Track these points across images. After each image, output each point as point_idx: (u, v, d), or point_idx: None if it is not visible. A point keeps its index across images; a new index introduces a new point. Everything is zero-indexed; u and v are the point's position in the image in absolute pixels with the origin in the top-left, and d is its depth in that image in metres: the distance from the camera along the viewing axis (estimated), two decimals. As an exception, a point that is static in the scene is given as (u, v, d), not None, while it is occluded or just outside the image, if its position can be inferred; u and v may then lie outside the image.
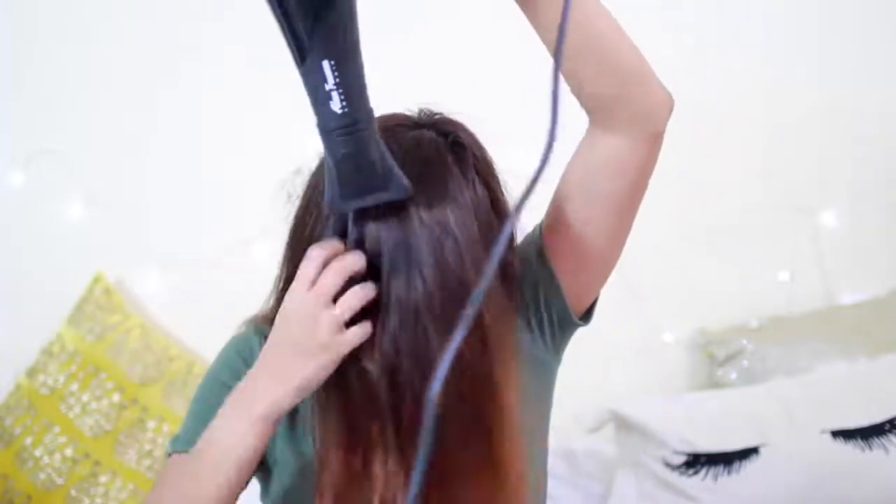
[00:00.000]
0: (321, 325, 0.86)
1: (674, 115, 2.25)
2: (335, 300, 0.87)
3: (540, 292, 1.03)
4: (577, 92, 0.95)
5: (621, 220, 1.02)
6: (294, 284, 0.88)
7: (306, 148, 0.98)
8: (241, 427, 0.88)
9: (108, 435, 1.95)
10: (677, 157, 2.16)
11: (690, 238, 2.17)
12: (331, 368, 0.88)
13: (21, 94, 2.08)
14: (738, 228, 2.18)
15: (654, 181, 2.33)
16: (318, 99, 0.84)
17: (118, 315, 2.04)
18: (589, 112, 0.97)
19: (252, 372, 0.91)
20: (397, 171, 0.88)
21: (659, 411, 1.92)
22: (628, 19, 2.11)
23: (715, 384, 2.13)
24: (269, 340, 0.90)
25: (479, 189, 0.96)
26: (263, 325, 1.02)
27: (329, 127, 0.84)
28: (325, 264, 0.87)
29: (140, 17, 2.06)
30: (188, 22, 2.05)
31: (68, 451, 1.94)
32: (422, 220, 0.90)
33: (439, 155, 0.94)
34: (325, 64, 0.83)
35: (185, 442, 0.99)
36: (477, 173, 0.97)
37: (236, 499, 0.92)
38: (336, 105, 0.83)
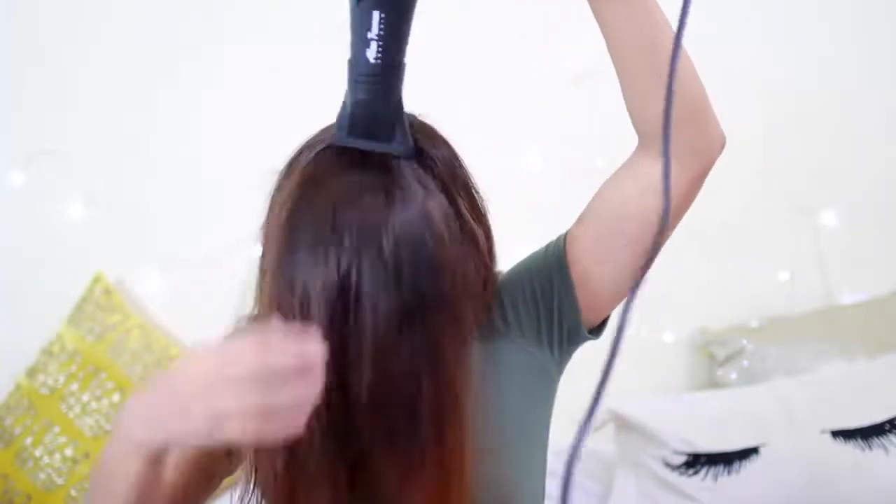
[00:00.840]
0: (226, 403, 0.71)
1: (674, 114, 2.21)
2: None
3: (555, 303, 1.01)
4: (636, 111, 0.95)
5: (645, 248, 1.00)
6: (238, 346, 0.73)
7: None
8: (127, 458, 0.79)
9: (108, 435, 1.95)
10: (677, 157, 2.17)
11: (690, 238, 2.17)
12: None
13: (21, 94, 2.08)
14: (738, 228, 2.18)
15: (654, 181, 2.31)
16: (358, 41, 0.87)
17: (118, 315, 2.04)
18: (641, 134, 0.96)
19: (139, 395, 0.78)
20: (407, 130, 0.90)
21: (659, 411, 1.92)
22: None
23: (715, 384, 2.13)
24: (178, 371, 0.75)
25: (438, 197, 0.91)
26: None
27: (358, 70, 0.88)
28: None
29: (140, 17, 2.06)
30: (188, 22, 2.05)
31: (68, 451, 1.94)
32: None
33: None
34: (376, 14, 0.86)
35: None
36: (436, 180, 0.92)
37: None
38: (371, 54, 0.87)
